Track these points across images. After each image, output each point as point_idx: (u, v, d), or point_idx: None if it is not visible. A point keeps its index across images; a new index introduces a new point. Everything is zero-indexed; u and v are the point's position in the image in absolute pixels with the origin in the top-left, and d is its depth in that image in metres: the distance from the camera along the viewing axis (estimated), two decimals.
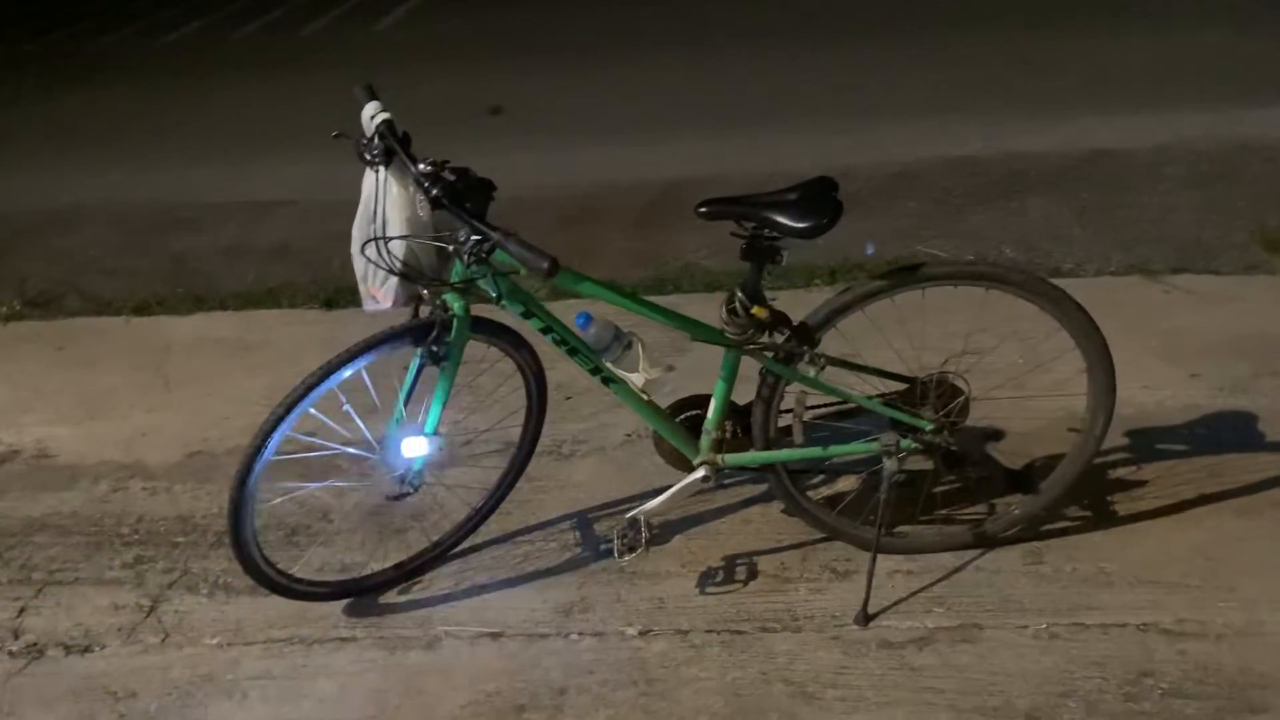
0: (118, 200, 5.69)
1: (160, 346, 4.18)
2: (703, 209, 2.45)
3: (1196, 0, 7.03)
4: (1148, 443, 3.11)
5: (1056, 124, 5.51)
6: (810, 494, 2.87)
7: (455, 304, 2.49)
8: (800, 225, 2.39)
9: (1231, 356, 3.47)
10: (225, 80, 7.52)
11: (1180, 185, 4.80)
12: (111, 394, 3.87)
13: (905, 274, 2.53)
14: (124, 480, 3.38)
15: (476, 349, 2.64)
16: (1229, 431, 3.15)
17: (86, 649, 2.74)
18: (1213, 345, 3.54)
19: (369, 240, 2.38)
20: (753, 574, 2.79)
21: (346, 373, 2.48)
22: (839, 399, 2.67)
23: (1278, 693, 2.34)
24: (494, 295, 2.46)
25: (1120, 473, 3.01)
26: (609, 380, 2.61)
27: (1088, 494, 2.91)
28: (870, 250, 3.67)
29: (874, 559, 2.65)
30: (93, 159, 6.39)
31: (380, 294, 2.49)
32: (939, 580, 2.72)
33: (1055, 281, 2.63)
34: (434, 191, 2.30)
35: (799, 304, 2.66)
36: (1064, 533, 2.82)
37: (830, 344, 2.58)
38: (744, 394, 2.66)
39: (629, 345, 2.58)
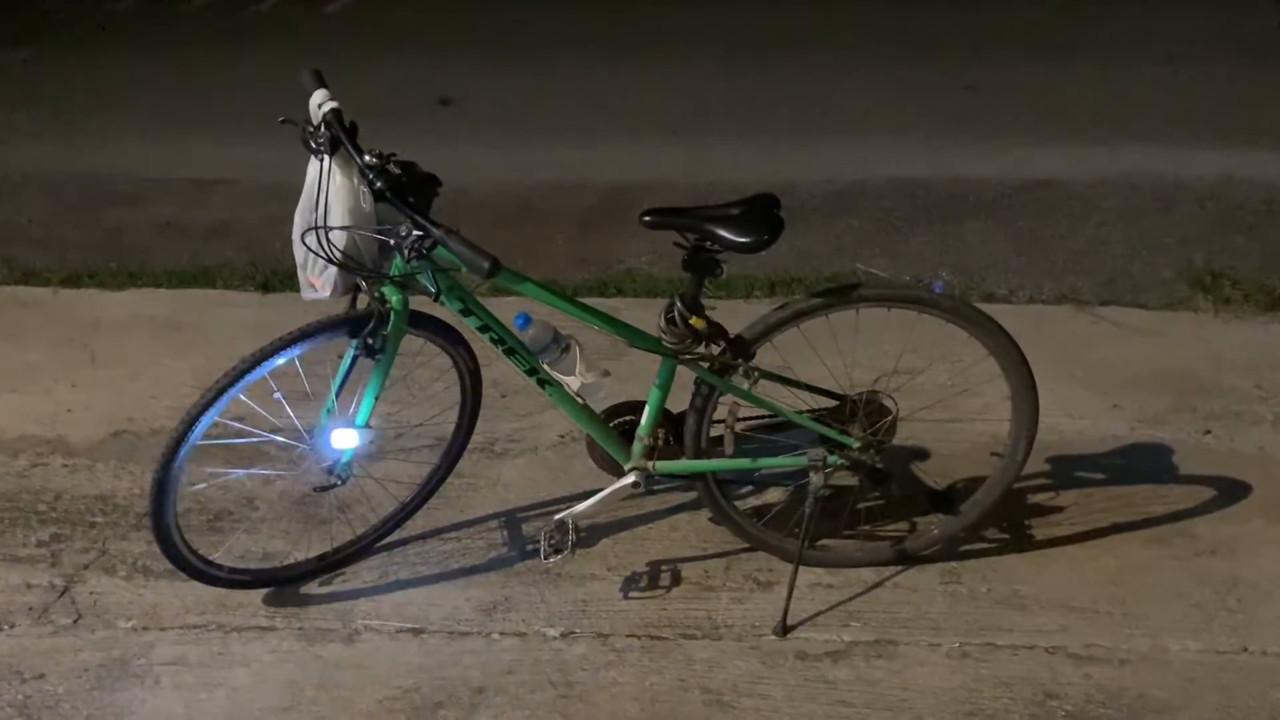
0: (53, 169, 5.55)
1: (89, 321, 4.09)
2: (646, 218, 2.47)
3: (1138, 37, 7.20)
4: (1067, 470, 3.19)
5: (997, 151, 5.61)
6: (738, 504, 2.90)
7: (393, 297, 2.48)
8: (742, 240, 2.43)
9: (1152, 390, 3.57)
10: (170, 54, 7.37)
11: (1113, 219, 4.91)
12: (35, 367, 3.78)
13: (840, 293, 2.58)
14: (44, 456, 3.32)
15: (413, 343, 2.64)
16: (1144, 463, 3.25)
17: None
18: (1135, 378, 3.64)
19: (310, 229, 2.37)
20: (676, 580, 2.82)
21: (280, 360, 2.47)
22: (770, 412, 2.70)
23: (1173, 718, 2.42)
24: (433, 291, 2.46)
25: (1039, 498, 3.09)
26: (544, 382, 2.62)
27: (1006, 517, 2.98)
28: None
29: (795, 571, 2.69)
30: (28, 125, 6.24)
31: (319, 282, 2.48)
32: (858, 595, 2.76)
33: (987, 307, 2.69)
34: (378, 184, 2.30)
35: (737, 316, 2.69)
36: (981, 554, 2.89)
37: (765, 357, 2.62)
38: (678, 402, 2.68)
39: (567, 348, 2.60)
